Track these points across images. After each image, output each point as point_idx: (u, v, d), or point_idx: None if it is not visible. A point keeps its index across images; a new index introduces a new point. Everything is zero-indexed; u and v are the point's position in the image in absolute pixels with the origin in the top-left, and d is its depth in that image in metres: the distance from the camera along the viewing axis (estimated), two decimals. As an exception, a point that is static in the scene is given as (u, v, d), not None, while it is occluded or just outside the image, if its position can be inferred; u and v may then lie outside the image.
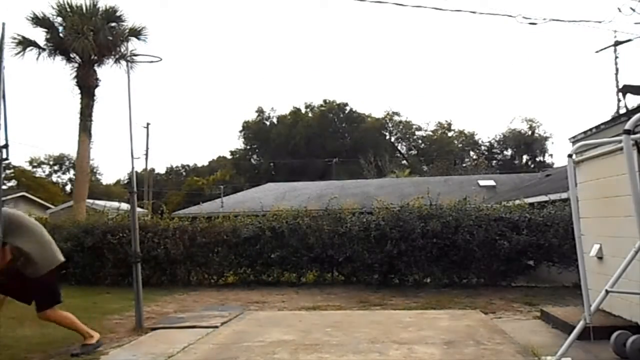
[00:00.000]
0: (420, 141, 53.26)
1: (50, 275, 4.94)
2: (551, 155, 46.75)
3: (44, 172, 56.03)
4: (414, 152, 52.86)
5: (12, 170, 42.21)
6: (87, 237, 10.49)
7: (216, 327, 6.05)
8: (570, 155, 4.92)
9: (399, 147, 53.79)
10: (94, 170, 53.01)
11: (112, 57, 17.44)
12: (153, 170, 45.44)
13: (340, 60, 71.50)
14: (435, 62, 71.02)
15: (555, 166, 35.77)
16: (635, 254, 3.90)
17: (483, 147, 50.50)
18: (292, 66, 73.42)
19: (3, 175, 4.80)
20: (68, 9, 16.79)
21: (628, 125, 3.78)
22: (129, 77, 7.12)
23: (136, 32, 17.34)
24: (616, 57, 18.56)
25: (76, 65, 17.13)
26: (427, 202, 10.14)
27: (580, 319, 4.19)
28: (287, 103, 77.62)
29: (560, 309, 6.15)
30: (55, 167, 57.21)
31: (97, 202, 21.66)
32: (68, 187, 51.92)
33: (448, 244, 9.30)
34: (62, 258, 5.13)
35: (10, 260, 4.74)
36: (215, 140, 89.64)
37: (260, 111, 53.02)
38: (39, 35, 16.93)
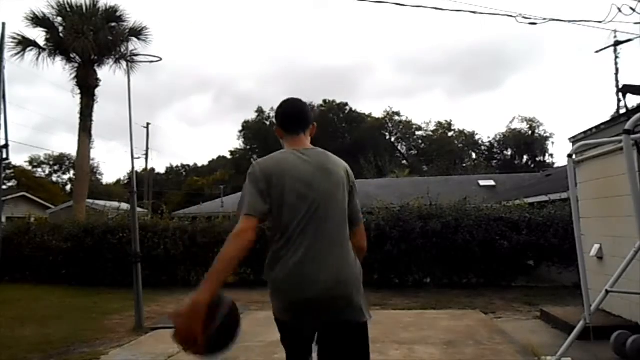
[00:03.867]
0: (420, 141, 53.24)
1: None
2: (551, 155, 46.74)
3: (44, 172, 56.02)
4: (414, 152, 52.83)
5: (12, 170, 42.20)
6: (87, 237, 10.49)
7: (216, 327, 6.05)
8: (570, 155, 4.92)
9: (399, 147, 53.77)
10: (94, 170, 53.02)
11: (112, 57, 17.45)
12: (153, 170, 45.43)
13: (340, 60, 71.52)
14: (435, 62, 71.06)
15: (555, 166, 35.78)
16: (635, 254, 3.90)
17: (483, 147, 50.53)
18: (292, 66, 73.45)
19: (3, 175, 4.80)
20: (68, 9, 16.79)
21: (628, 125, 3.78)
22: (129, 77, 7.17)
23: (136, 32, 17.33)
24: (616, 57, 18.50)
25: (76, 65, 17.13)
26: (427, 202, 10.14)
27: (580, 319, 4.19)
28: (287, 103, 77.31)
29: (560, 309, 6.14)
30: (55, 167, 57.18)
31: (97, 202, 21.68)
32: (68, 187, 51.91)
33: (448, 244, 9.30)
34: None
35: None
36: (215, 140, 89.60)
37: (260, 111, 53.06)
38: (39, 35, 16.95)
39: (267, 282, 2.28)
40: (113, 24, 17.44)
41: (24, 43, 16.50)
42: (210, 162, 57.94)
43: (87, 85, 17.07)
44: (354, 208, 2.28)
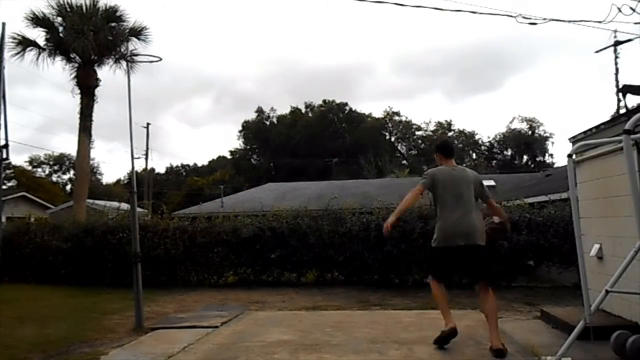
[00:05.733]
0: (420, 141, 53.29)
1: None
2: (551, 155, 46.83)
3: (44, 172, 56.06)
4: (414, 152, 52.88)
5: (12, 170, 42.20)
6: (87, 237, 10.48)
7: (216, 327, 6.05)
8: (570, 155, 4.91)
9: (399, 147, 53.82)
10: (94, 170, 53.05)
11: (112, 57, 17.45)
12: (153, 170, 45.43)
13: (340, 60, 71.51)
14: (435, 62, 71.04)
15: (555, 166, 35.79)
16: (635, 254, 3.90)
17: (483, 147, 50.56)
18: (292, 66, 73.40)
19: (3, 175, 4.80)
20: (68, 9, 16.79)
21: (628, 125, 3.78)
22: (129, 77, 7.14)
23: (136, 32, 17.33)
24: (616, 57, 18.45)
25: (76, 65, 17.13)
26: (427, 202, 10.11)
27: (580, 319, 4.18)
28: (286, 103, 77.55)
29: (560, 309, 6.14)
30: (55, 167, 57.21)
31: (97, 202, 21.68)
32: (68, 187, 51.92)
33: (448, 244, 9.28)
34: None
35: None
36: (215, 140, 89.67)
37: (260, 111, 53.05)
38: (39, 35, 16.94)
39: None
40: (113, 24, 17.44)
41: (24, 43, 16.49)
42: (210, 162, 58.01)
43: (87, 85, 17.07)
44: (484, 192, 4.88)
